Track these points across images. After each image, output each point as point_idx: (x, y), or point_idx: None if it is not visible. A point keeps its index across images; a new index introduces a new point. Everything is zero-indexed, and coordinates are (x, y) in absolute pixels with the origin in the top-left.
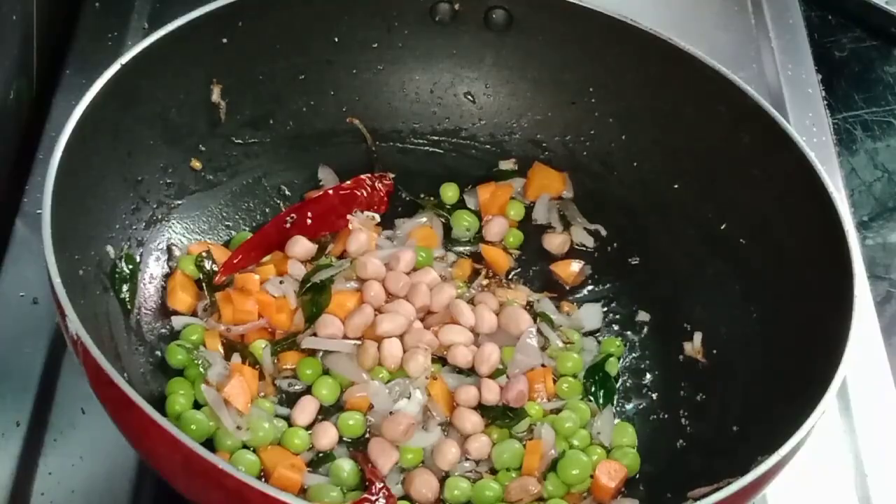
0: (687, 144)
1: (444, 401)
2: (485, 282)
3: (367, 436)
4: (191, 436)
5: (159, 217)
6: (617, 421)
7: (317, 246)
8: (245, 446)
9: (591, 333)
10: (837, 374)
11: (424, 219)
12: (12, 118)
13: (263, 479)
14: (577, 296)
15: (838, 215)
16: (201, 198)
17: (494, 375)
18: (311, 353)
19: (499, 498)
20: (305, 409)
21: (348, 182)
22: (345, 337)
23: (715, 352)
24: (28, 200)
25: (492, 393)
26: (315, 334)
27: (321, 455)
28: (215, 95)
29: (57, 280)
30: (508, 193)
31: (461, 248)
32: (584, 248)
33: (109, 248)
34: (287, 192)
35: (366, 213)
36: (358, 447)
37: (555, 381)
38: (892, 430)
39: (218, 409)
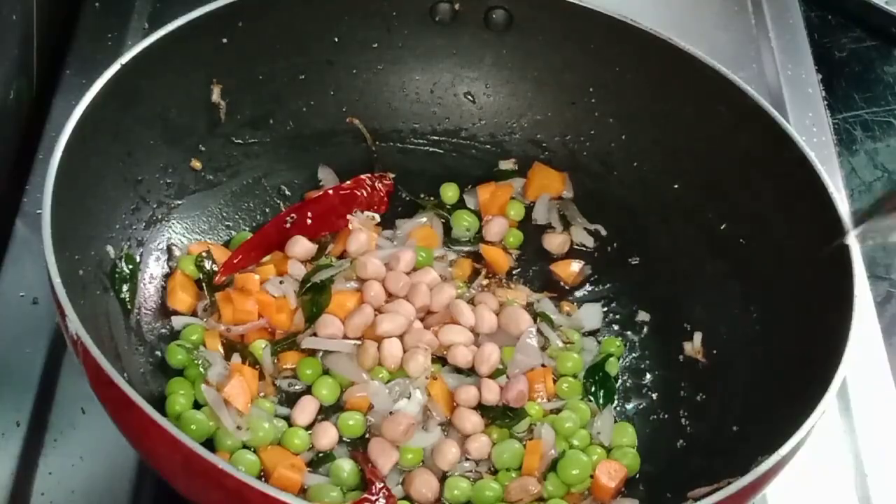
0: (687, 144)
1: (444, 401)
2: (485, 282)
3: (367, 436)
4: (191, 436)
5: (159, 217)
6: (617, 421)
7: (317, 246)
8: (245, 446)
9: (592, 333)
10: (837, 374)
11: (424, 219)
12: (12, 118)
13: (263, 479)
14: (577, 296)
15: (838, 215)
16: (201, 198)
17: (494, 375)
18: (311, 353)
19: (499, 498)
20: (305, 410)
21: (348, 182)
22: (345, 337)
23: (715, 352)
24: (28, 200)
25: (492, 393)
26: (315, 334)
27: (321, 455)
28: (215, 95)
29: (57, 280)
30: (508, 193)
31: (461, 248)
32: (584, 248)
33: (109, 248)
34: (287, 192)
35: (366, 213)
36: (358, 447)
37: (555, 381)
38: (892, 430)
39: (218, 409)
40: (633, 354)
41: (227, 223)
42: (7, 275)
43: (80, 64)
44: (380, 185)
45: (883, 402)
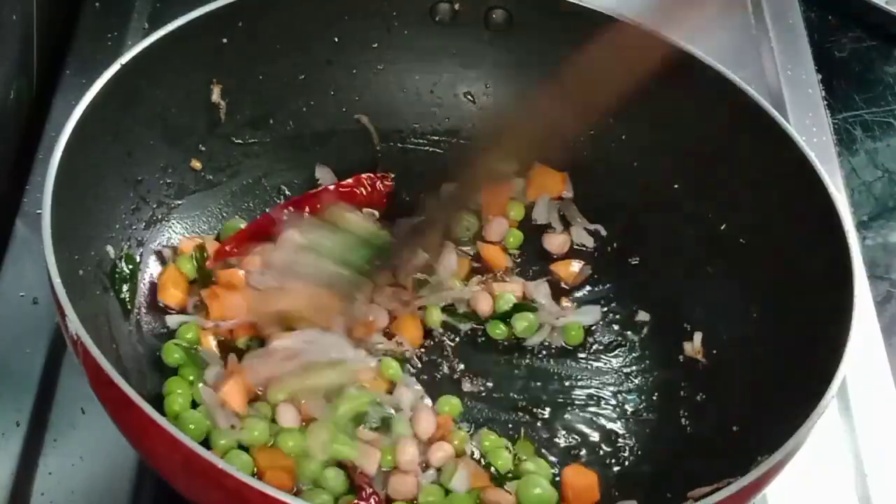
0: (687, 144)
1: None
2: (482, 278)
3: None
4: (189, 435)
5: (159, 217)
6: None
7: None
8: (241, 446)
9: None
10: (837, 374)
11: (423, 218)
12: (12, 118)
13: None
14: (577, 296)
15: (838, 215)
16: (201, 198)
17: None
18: None
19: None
20: (288, 412)
21: (349, 180)
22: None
23: (715, 352)
24: (28, 200)
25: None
26: None
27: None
28: (215, 95)
29: (57, 280)
30: (508, 194)
31: (461, 249)
32: (584, 248)
33: (109, 248)
34: (287, 192)
35: (364, 209)
36: None
37: None
38: (892, 430)
39: (213, 410)
40: (633, 354)
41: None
42: (7, 275)
43: (80, 64)
44: (380, 184)
45: (883, 402)
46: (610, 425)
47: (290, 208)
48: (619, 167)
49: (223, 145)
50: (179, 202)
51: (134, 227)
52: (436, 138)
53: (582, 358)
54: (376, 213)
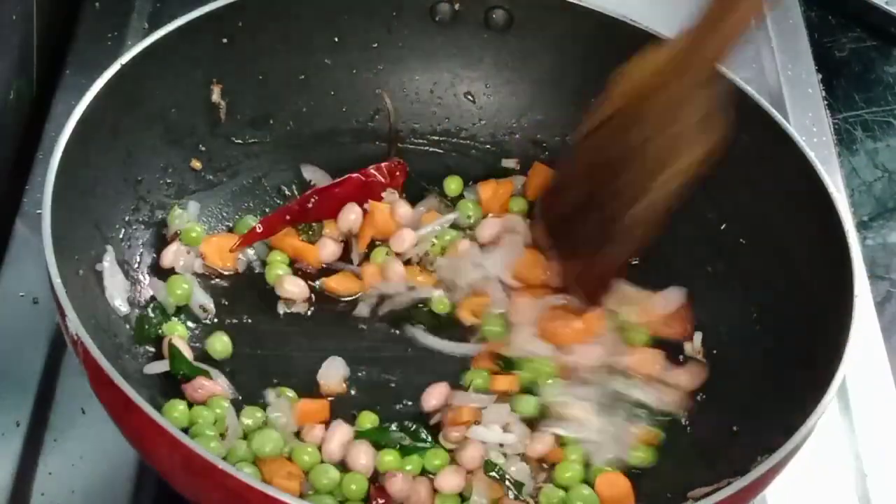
0: None
1: None
2: None
3: None
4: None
5: (159, 217)
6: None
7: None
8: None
9: None
10: (837, 374)
11: (430, 204)
12: (12, 118)
13: None
14: None
15: (838, 215)
16: (201, 198)
17: None
18: None
19: None
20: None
21: (371, 167)
22: None
23: (715, 352)
24: (28, 200)
25: None
26: None
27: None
28: (215, 95)
29: (57, 280)
30: (509, 191)
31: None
32: None
33: (109, 248)
34: (287, 193)
35: (387, 189)
36: None
37: None
38: (892, 430)
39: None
40: None
41: (227, 223)
42: (7, 275)
43: (80, 64)
44: (398, 172)
45: (883, 402)
46: None
47: (316, 196)
48: None
49: (223, 145)
50: (179, 202)
51: (134, 226)
52: (436, 138)
53: None
54: (396, 192)
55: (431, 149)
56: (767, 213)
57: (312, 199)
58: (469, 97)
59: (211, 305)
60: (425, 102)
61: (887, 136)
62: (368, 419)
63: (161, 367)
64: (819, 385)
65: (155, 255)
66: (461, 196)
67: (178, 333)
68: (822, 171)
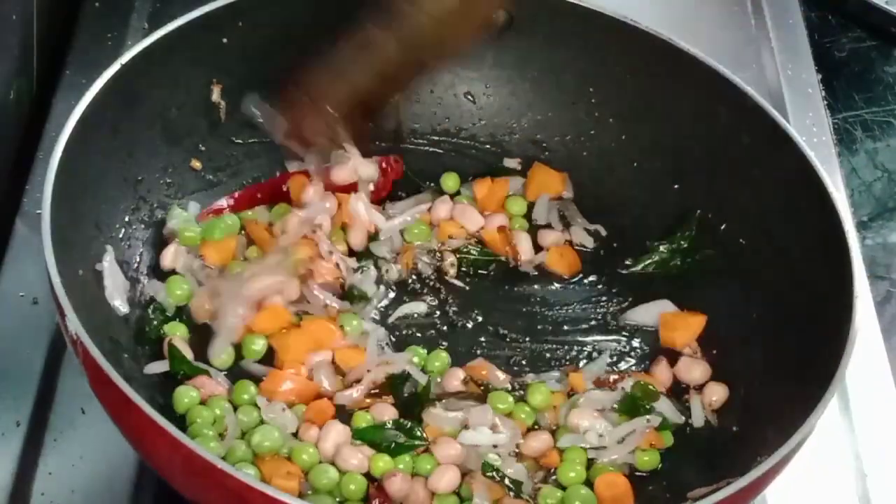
0: (687, 144)
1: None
2: None
3: None
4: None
5: (159, 217)
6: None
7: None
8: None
9: None
10: (837, 373)
11: (427, 201)
12: (12, 118)
13: None
14: (577, 291)
15: (838, 215)
16: (202, 197)
17: None
18: None
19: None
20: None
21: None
22: None
23: (715, 352)
24: (28, 200)
25: None
26: None
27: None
28: (215, 95)
29: (57, 280)
30: (505, 189)
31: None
32: (584, 249)
33: (109, 248)
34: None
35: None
36: None
37: None
38: (892, 430)
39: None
40: (634, 354)
41: (227, 223)
42: (7, 275)
43: (80, 64)
44: (390, 168)
45: (883, 402)
46: None
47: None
48: (619, 167)
49: (223, 145)
50: (180, 202)
51: (134, 226)
52: (435, 138)
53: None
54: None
55: (431, 149)
56: (767, 213)
57: (285, 183)
58: (469, 97)
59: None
60: (425, 102)
61: (887, 136)
62: (363, 419)
63: (161, 367)
64: (819, 385)
65: (155, 255)
66: (458, 193)
67: (178, 333)
68: (822, 171)
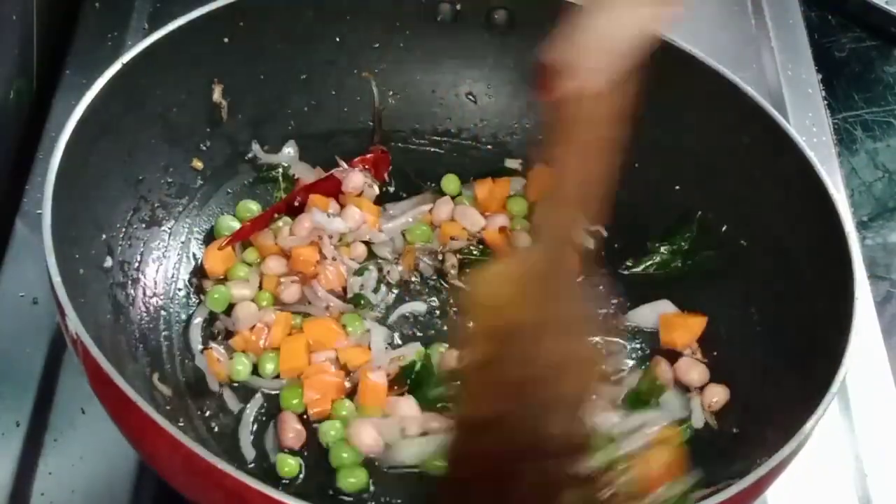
0: (687, 145)
1: None
2: None
3: None
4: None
5: (160, 217)
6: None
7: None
8: None
9: None
10: (837, 374)
11: (424, 199)
12: (12, 118)
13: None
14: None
15: (838, 215)
16: (202, 197)
17: None
18: None
19: None
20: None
21: (355, 160)
22: None
23: (715, 352)
24: (28, 200)
25: None
26: None
27: None
28: (216, 95)
29: (57, 280)
30: (507, 190)
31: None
32: (584, 249)
33: (109, 248)
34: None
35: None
36: None
37: None
38: (892, 430)
39: None
40: (634, 355)
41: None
42: (7, 275)
43: (80, 64)
44: (381, 164)
45: (883, 402)
46: None
47: (299, 197)
48: (620, 167)
49: (224, 145)
50: (180, 202)
51: (134, 226)
52: (437, 138)
53: None
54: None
55: (433, 149)
56: (767, 213)
57: (297, 198)
58: (470, 97)
59: None
60: (427, 103)
61: (887, 136)
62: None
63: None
64: (819, 386)
65: (155, 255)
66: (459, 195)
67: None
68: (822, 172)
